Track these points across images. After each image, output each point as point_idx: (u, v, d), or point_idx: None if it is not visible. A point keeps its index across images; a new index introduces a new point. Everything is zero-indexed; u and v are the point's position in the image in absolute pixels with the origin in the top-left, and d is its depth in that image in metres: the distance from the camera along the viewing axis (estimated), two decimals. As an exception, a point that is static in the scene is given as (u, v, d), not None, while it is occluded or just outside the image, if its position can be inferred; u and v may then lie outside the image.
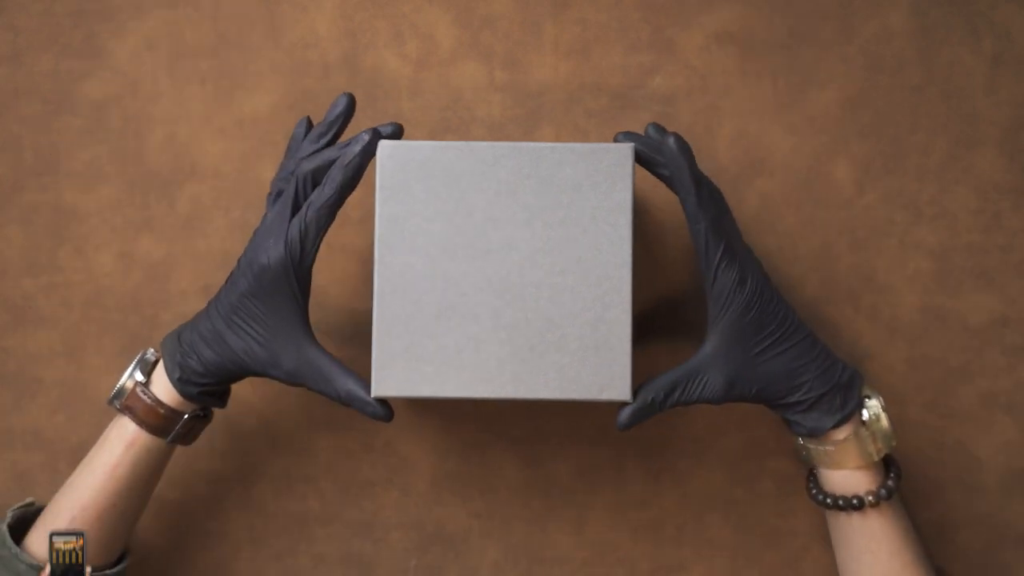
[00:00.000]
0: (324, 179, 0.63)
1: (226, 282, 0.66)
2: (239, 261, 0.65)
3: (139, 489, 0.68)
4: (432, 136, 0.76)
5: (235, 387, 0.75)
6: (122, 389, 0.67)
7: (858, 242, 0.75)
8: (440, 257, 0.62)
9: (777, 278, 0.75)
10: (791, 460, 0.75)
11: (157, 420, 0.66)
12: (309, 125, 0.67)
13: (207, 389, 0.67)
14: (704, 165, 0.75)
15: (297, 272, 0.63)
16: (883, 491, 0.65)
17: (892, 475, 0.66)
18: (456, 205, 0.62)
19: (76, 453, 0.75)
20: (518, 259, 0.61)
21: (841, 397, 0.65)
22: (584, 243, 0.62)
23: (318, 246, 0.64)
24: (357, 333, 0.75)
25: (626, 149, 0.62)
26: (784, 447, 0.75)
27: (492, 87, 0.76)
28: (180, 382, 0.66)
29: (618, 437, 0.76)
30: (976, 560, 0.75)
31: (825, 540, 0.75)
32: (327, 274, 0.76)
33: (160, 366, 0.67)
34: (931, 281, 0.75)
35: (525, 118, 0.76)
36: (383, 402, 0.63)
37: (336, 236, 0.75)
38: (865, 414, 0.65)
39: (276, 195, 0.66)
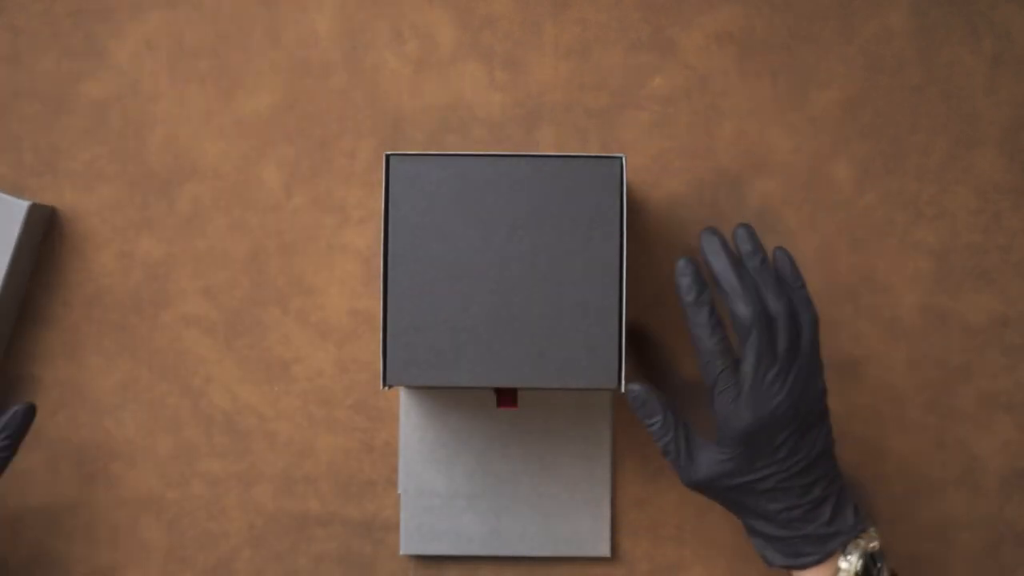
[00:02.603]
0: None
1: None
2: None
3: None
4: (432, 136, 0.76)
5: (235, 387, 0.75)
6: None
7: (858, 242, 0.75)
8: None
9: (777, 278, 0.75)
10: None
11: None
12: None
13: None
14: (704, 165, 0.75)
15: None
16: None
17: None
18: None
19: (76, 453, 0.75)
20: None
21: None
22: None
23: None
24: (357, 333, 0.75)
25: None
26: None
27: (492, 87, 0.76)
28: None
29: (618, 437, 0.75)
30: (976, 560, 0.75)
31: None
32: (327, 274, 0.76)
33: None
34: (931, 281, 0.75)
35: (525, 118, 0.76)
36: None
37: (336, 236, 0.75)
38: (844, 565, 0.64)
39: None
